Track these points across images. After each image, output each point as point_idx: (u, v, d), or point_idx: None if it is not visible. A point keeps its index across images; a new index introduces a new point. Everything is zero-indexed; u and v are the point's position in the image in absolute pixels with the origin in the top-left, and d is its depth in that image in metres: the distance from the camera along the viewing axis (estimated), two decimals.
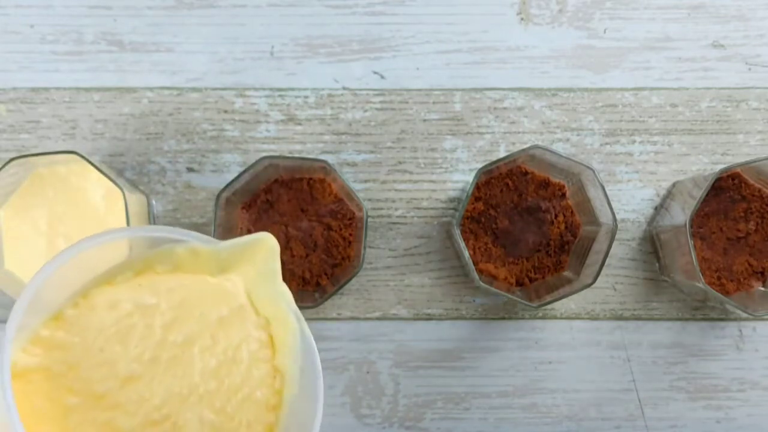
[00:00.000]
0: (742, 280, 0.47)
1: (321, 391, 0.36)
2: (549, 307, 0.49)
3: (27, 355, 0.32)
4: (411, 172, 0.49)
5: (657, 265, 0.49)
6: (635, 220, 0.50)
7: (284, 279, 0.37)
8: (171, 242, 0.36)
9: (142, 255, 0.35)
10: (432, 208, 0.49)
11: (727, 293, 0.46)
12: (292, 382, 0.37)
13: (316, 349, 0.37)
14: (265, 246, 0.37)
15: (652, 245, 0.49)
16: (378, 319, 0.49)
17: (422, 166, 0.49)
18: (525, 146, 0.47)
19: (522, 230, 0.47)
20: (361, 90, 0.49)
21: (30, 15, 0.49)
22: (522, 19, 0.50)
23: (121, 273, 0.35)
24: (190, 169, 0.49)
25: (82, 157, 0.43)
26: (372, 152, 0.49)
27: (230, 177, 0.48)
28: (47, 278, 0.31)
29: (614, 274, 0.50)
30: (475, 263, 0.46)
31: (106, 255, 0.35)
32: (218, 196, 0.44)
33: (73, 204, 0.45)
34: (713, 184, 0.45)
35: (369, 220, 0.48)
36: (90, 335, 0.33)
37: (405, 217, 0.49)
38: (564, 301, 0.48)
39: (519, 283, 0.47)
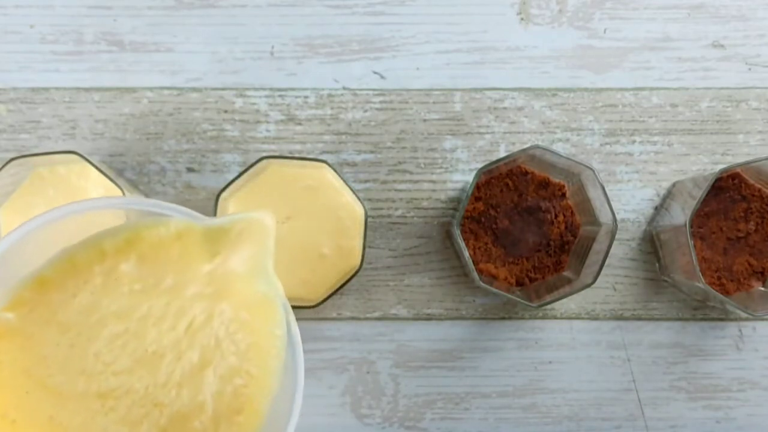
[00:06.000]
0: (742, 280, 0.47)
1: (300, 390, 0.34)
2: (549, 307, 0.49)
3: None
4: (411, 172, 0.49)
5: (657, 265, 0.49)
6: (635, 220, 0.50)
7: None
8: (159, 216, 0.34)
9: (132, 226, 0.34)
10: (432, 208, 0.49)
11: (727, 293, 0.46)
12: (272, 379, 0.34)
13: (300, 343, 0.34)
14: (260, 225, 0.34)
15: (652, 245, 0.49)
16: (378, 319, 0.49)
17: (422, 166, 0.49)
18: (525, 146, 0.47)
19: (522, 230, 0.47)
20: (361, 90, 0.49)
21: (30, 15, 0.49)
22: (522, 19, 0.50)
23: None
24: (190, 169, 0.49)
25: (82, 157, 0.43)
26: (372, 152, 0.49)
27: (230, 177, 0.48)
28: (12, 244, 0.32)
29: (614, 274, 0.50)
30: (475, 263, 0.46)
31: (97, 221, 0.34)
32: (218, 196, 0.44)
33: None
34: (713, 184, 0.45)
35: (369, 220, 0.48)
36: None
37: (405, 217, 0.49)
38: (564, 301, 0.48)
39: (519, 283, 0.47)
